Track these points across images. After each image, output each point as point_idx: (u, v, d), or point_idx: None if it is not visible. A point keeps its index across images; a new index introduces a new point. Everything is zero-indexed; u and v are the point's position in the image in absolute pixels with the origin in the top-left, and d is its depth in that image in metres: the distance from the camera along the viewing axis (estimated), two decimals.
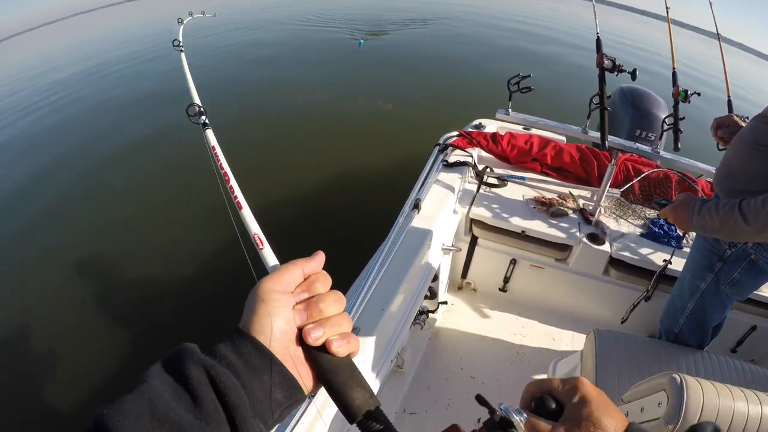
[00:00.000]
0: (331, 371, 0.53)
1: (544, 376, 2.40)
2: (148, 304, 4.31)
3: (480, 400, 0.63)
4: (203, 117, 1.20)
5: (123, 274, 4.80)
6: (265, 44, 15.01)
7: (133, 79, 12.66)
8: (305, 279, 0.58)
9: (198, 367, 0.44)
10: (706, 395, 1.20)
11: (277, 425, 0.52)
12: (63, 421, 3.25)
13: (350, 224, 4.94)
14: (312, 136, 7.61)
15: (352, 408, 0.52)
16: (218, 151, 1.00)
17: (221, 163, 0.93)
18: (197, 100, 1.28)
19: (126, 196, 6.36)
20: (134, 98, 10.74)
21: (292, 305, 0.54)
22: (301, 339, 0.53)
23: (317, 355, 0.53)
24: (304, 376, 0.53)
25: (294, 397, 0.52)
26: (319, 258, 0.60)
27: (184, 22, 2.55)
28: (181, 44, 2.06)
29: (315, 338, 0.53)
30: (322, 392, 0.54)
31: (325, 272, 0.60)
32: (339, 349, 0.54)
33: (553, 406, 0.61)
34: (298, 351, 0.53)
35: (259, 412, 0.47)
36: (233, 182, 0.84)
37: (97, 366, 3.66)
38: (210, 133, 1.12)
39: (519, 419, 0.57)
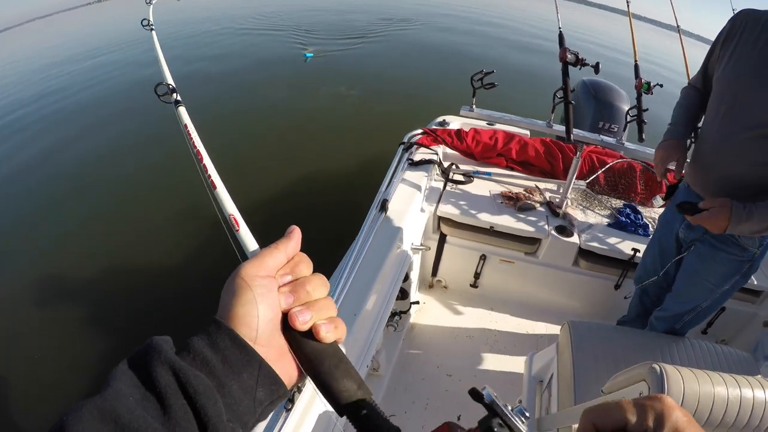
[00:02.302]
0: (317, 359, 0.49)
1: (521, 370, 2.39)
2: (122, 294, 4.19)
3: (473, 394, 0.57)
4: (175, 95, 1.15)
5: (94, 263, 4.63)
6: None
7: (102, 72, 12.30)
8: (288, 261, 0.54)
9: (165, 369, 0.40)
10: (686, 382, 1.20)
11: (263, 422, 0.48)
12: (38, 419, 3.14)
13: (317, 227, 4.82)
14: (274, 136, 7.49)
15: (341, 400, 0.48)
16: (191, 129, 0.95)
17: (194, 142, 0.89)
18: (169, 80, 1.22)
19: (98, 184, 6.23)
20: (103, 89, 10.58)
21: (275, 289, 0.50)
22: (285, 325, 0.50)
23: (302, 342, 0.49)
24: (288, 368, 0.49)
25: (276, 394, 0.48)
26: (296, 234, 0.56)
27: (153, 2, 2.48)
28: (151, 23, 1.99)
29: (303, 322, 0.49)
30: (309, 384, 0.51)
31: (305, 255, 0.56)
32: (327, 334, 0.50)
33: None
34: (282, 340, 0.50)
35: (238, 413, 0.43)
36: (207, 160, 0.80)
37: (69, 361, 3.55)
38: (183, 111, 1.06)
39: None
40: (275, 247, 0.53)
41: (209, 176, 0.75)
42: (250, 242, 0.61)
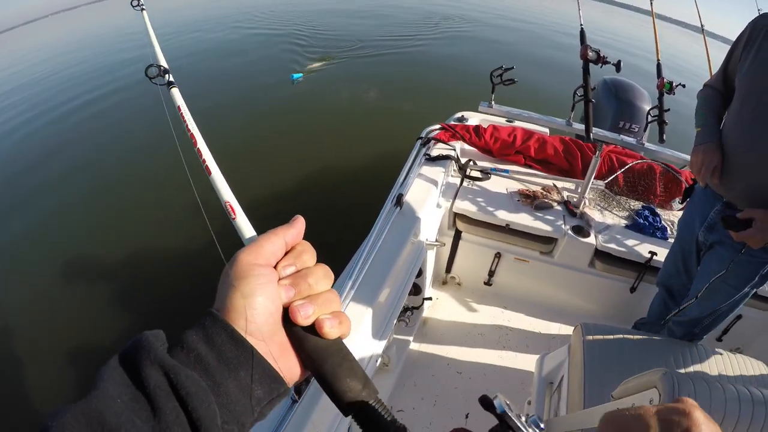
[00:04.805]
0: (320, 357, 0.47)
1: (532, 370, 2.37)
2: (113, 289, 4.23)
3: (484, 403, 0.51)
4: (168, 75, 1.11)
5: (80, 259, 4.69)
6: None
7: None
8: (289, 251, 0.51)
9: (155, 369, 0.38)
10: (698, 392, 1.18)
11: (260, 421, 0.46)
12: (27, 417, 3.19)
13: (332, 221, 4.82)
14: (291, 130, 7.49)
15: (345, 399, 0.46)
16: (184, 111, 0.91)
17: (187, 124, 0.85)
18: (162, 61, 1.19)
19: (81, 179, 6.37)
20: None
21: (276, 281, 0.47)
22: (286, 320, 0.47)
23: (305, 338, 0.47)
24: (289, 364, 0.47)
25: (276, 392, 0.45)
26: (300, 224, 0.53)
27: None
28: (141, 2, 1.92)
29: (305, 316, 0.46)
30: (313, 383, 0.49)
31: (308, 243, 0.53)
32: (331, 330, 0.47)
33: None
34: (284, 336, 0.47)
35: (236, 413, 0.41)
36: (201, 144, 0.76)
37: (63, 357, 3.60)
38: (176, 92, 1.02)
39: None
40: (273, 233, 0.50)
41: (204, 161, 0.72)
42: (247, 230, 0.57)
